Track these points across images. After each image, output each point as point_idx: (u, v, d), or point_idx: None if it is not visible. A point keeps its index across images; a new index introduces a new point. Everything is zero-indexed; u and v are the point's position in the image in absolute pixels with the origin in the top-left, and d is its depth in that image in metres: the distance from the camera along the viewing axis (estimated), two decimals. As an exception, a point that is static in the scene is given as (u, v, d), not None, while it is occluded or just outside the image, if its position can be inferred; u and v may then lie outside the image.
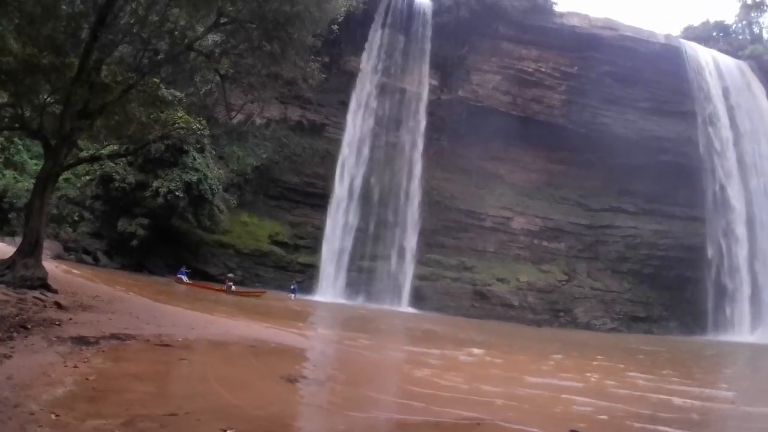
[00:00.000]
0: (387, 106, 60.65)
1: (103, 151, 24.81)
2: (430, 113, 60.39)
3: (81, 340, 11.46)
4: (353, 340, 22.02)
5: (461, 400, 11.90)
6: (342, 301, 50.37)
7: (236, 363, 13.23)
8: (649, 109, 61.77)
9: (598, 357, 25.20)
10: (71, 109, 18.52)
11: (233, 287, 38.54)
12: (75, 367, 9.30)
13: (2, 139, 24.79)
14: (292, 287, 44.61)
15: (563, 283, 60.36)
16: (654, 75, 60.04)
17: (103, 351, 11.11)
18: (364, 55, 59.92)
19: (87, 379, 8.75)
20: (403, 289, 56.16)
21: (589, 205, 64.64)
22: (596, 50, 59.38)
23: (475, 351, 23.00)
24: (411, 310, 53.05)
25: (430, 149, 59.51)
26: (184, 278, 39.18)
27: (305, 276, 52.71)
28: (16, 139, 29.82)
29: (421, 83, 61.19)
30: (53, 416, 6.58)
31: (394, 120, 60.73)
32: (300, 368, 13.76)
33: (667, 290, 61.26)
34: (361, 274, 55.43)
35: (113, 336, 12.69)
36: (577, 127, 62.09)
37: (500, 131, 60.70)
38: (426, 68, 61.01)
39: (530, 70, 61.47)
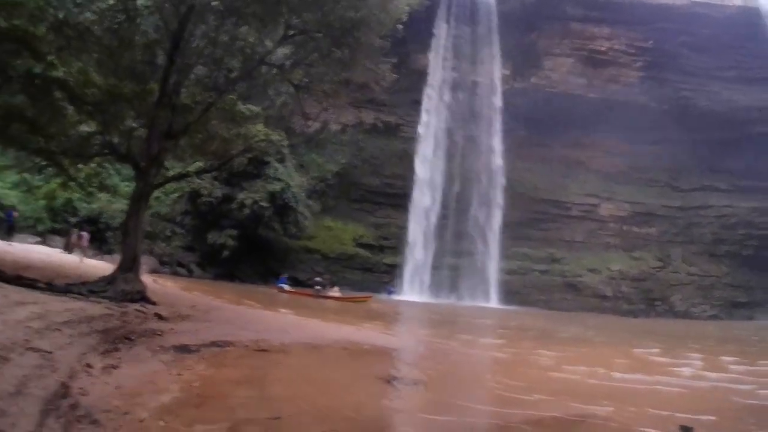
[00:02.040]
0: (460, 100, 60.19)
1: (189, 169, 25.58)
2: (505, 103, 59.46)
3: (183, 349, 11.76)
4: (445, 338, 21.83)
5: (561, 396, 11.46)
6: (429, 299, 50.11)
7: (332, 365, 13.33)
8: (733, 78, 58.20)
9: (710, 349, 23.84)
10: (156, 131, 19.16)
11: (338, 293, 38.51)
12: (179, 374, 9.53)
13: (94, 165, 26.09)
14: (390, 289, 44.45)
15: (657, 270, 58.01)
16: (733, 41, 56.60)
17: (204, 358, 11.37)
18: (432, 51, 59.74)
19: (191, 385, 8.94)
20: (491, 284, 55.53)
21: (680, 185, 61.78)
22: (669, 21, 56.62)
23: (572, 345, 22.38)
24: (499, 306, 52.30)
25: (507, 140, 58.59)
26: (286, 286, 39.48)
27: (391, 276, 53.00)
28: (107, 164, 31.28)
29: (493, 74, 60.32)
30: (162, 423, 6.72)
31: (468, 114, 60.18)
32: (395, 369, 13.72)
33: (770, 272, 57.65)
34: (447, 271, 55.22)
35: (213, 343, 12.98)
36: (659, 103, 59.50)
37: (578, 116, 59.07)
38: (496, 58, 60.08)
39: (603, 49, 59.54)
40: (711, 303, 55.49)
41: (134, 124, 20.52)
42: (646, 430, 9.02)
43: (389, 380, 11.79)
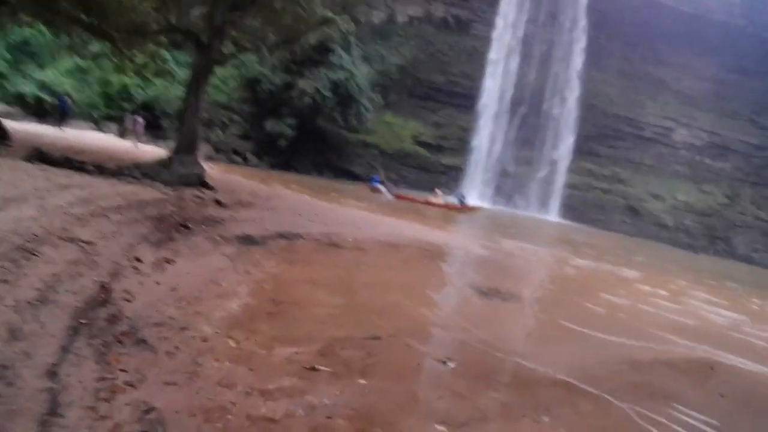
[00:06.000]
0: (541, -1, 56.07)
1: (259, 42, 23.25)
2: (590, 7, 55.28)
3: (247, 240, 10.00)
4: (524, 248, 20.09)
5: (668, 332, 9.83)
6: (487, 205, 48.03)
7: (418, 270, 11.41)
8: None
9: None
10: (221, 1, 17.06)
11: (440, 198, 35.40)
12: (246, 272, 7.71)
13: (151, 46, 23.99)
14: (461, 195, 41.29)
15: (723, 207, 54.58)
16: None
17: (273, 252, 9.57)
18: (512, -58, 55.23)
19: (262, 287, 7.10)
20: (552, 197, 53.59)
21: (762, 122, 57.01)
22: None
23: (655, 273, 20.30)
24: (558, 219, 50.51)
25: (587, 47, 54.88)
26: (383, 188, 35.77)
27: (449, 178, 51.03)
28: (163, 49, 29.39)
29: (580, -29, 55.77)
30: (232, 343, 4.86)
31: (549, 15, 56.12)
32: (489, 279, 11.77)
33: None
34: (508, 179, 53.36)
35: (280, 235, 11.24)
36: (761, 30, 54.70)
37: (668, 31, 54.89)
38: (583, -46, 55.40)
39: (705, -43, 54.44)
40: (774, 251, 52.07)
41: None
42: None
43: (487, 293, 9.98)
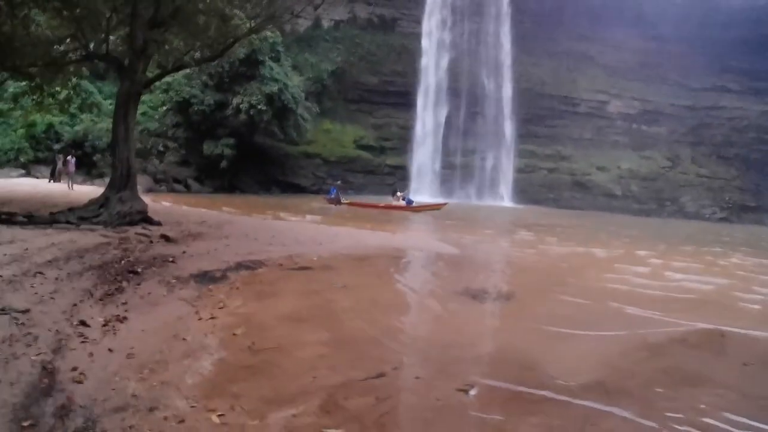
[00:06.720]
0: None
1: (185, 58, 21.89)
2: (511, -8, 55.92)
3: (205, 277, 8.92)
4: (491, 241, 19.42)
5: (669, 308, 9.36)
6: (438, 200, 47.69)
7: (397, 282, 10.50)
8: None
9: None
10: (140, 20, 15.83)
11: (401, 201, 34.51)
12: (212, 318, 6.62)
13: (73, 79, 22.33)
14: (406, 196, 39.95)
15: (666, 169, 56.43)
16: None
17: (236, 288, 8.48)
18: (432, -65, 55.29)
19: (234, 334, 6.04)
20: (501, 183, 53.79)
21: (690, 84, 59.44)
22: None
23: (613, 248, 19.71)
24: (511, 204, 50.69)
25: (513, 33, 55.74)
26: (344, 199, 34.88)
27: (396, 178, 50.67)
28: (84, 82, 27.68)
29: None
30: (215, 418, 3.83)
31: (474, 4, 56.22)
32: (470, 279, 10.96)
33: (778, 178, 55.93)
34: (455, 170, 53.39)
35: (240, 265, 10.18)
36: None
37: (587, 7, 56.20)
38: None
39: (616, -70, 56.04)
40: (720, 205, 53.96)
41: (113, 18, 16.97)
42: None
43: (475, 296, 9.26)
